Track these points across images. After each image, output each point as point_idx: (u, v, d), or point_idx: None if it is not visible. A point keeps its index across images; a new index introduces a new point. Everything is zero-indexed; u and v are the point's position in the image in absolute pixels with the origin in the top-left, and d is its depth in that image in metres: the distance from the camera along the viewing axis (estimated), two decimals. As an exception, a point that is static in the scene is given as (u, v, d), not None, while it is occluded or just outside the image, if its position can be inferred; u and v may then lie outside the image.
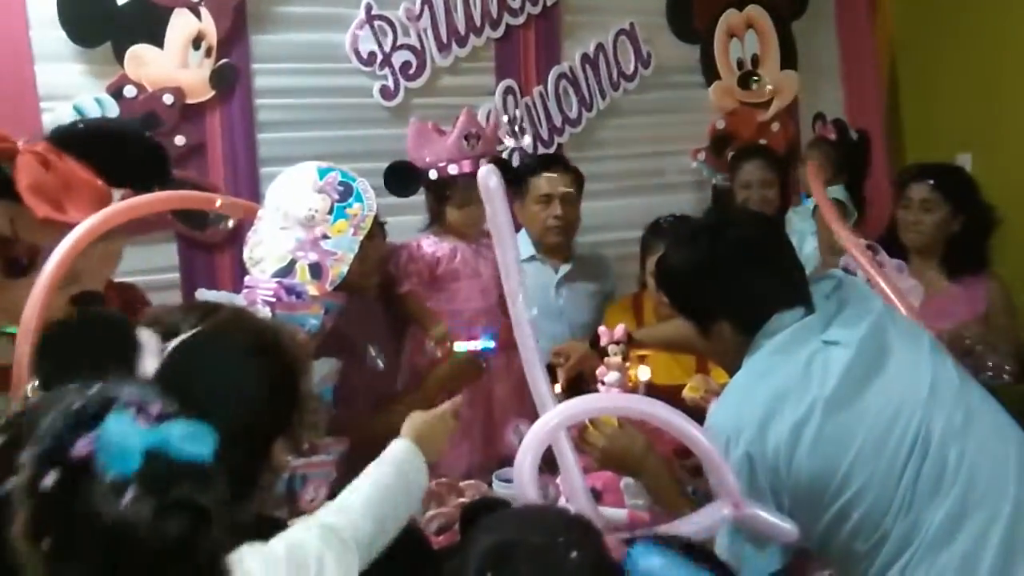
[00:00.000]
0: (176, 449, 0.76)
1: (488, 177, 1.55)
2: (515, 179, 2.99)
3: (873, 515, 1.53)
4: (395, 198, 2.55)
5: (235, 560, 0.88)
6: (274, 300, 1.98)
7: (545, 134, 3.54)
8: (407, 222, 2.75)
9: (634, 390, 2.24)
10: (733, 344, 1.74)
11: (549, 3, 3.49)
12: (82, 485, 0.73)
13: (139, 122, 2.80)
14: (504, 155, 3.34)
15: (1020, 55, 3.60)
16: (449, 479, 2.17)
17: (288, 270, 2.03)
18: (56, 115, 2.66)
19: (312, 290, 2.03)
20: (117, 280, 2.18)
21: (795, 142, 3.98)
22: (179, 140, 2.96)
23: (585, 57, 3.61)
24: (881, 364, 1.62)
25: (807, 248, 3.45)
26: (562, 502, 1.83)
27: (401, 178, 2.55)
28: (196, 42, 2.95)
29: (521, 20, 3.45)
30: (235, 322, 1.13)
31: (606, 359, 2.24)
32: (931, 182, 2.91)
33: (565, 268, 3.10)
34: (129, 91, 2.87)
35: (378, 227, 2.24)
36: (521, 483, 1.44)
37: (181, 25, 2.92)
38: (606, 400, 1.92)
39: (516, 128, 2.90)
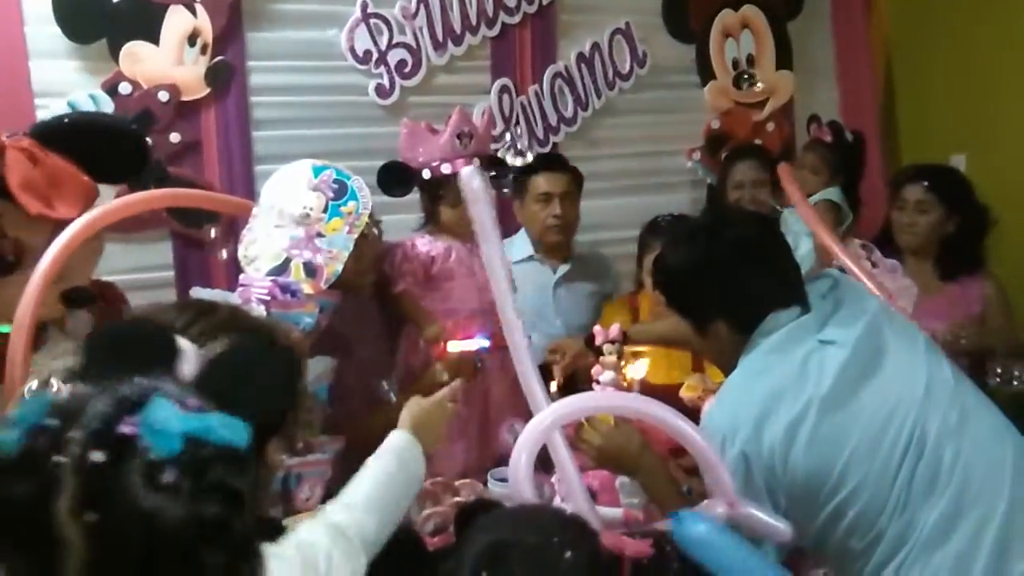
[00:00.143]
0: (214, 435, 0.80)
1: (471, 178, 1.55)
2: (515, 177, 3.00)
3: (868, 514, 1.54)
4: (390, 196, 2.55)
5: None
6: (269, 298, 1.98)
7: (541, 133, 3.53)
8: (402, 221, 2.74)
9: (628, 389, 2.24)
10: (729, 343, 1.74)
11: (545, 2, 3.48)
12: (126, 464, 0.77)
13: (131, 118, 2.80)
14: (499, 153, 3.35)
15: (1015, 56, 3.61)
16: (444, 478, 2.16)
17: (283, 268, 2.03)
18: (51, 112, 2.65)
19: (307, 288, 2.03)
20: (98, 277, 2.17)
21: (790, 142, 3.99)
22: (174, 137, 2.95)
23: (581, 56, 3.61)
24: (877, 364, 1.63)
25: (802, 248, 3.45)
26: (557, 501, 1.83)
27: (394, 178, 2.54)
28: (191, 39, 2.94)
29: (517, 19, 3.45)
30: (267, 335, 1.17)
31: (601, 358, 2.25)
32: (926, 183, 2.92)
33: (564, 268, 3.09)
34: (124, 88, 2.86)
35: (373, 225, 2.24)
36: (517, 482, 1.44)
37: (176, 22, 2.92)
38: (601, 399, 1.92)
39: (520, 147, 2.89)
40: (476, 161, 2.47)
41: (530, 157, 2.91)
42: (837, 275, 1.83)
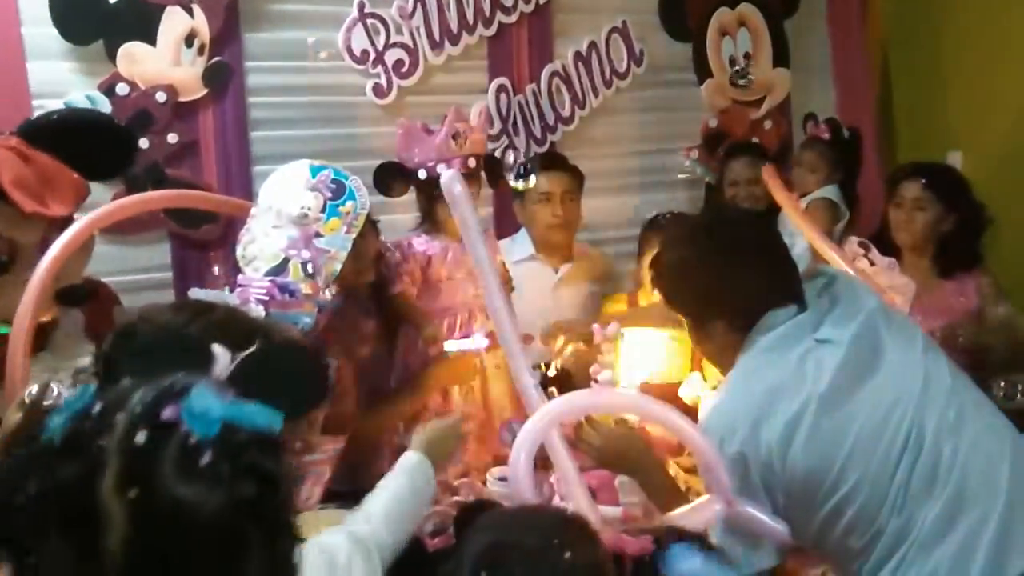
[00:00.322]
0: (249, 421, 0.86)
1: (452, 184, 1.54)
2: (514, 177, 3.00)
3: (867, 512, 1.54)
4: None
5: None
6: (267, 299, 1.98)
7: (538, 132, 3.53)
8: (398, 220, 2.75)
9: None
10: (727, 342, 1.74)
11: (542, 1, 3.48)
12: (167, 444, 0.82)
13: (129, 119, 2.80)
14: (497, 152, 3.35)
15: (1011, 54, 3.61)
16: (443, 478, 2.17)
17: (281, 268, 2.03)
18: (48, 113, 2.65)
19: (305, 288, 2.03)
20: (90, 276, 2.17)
21: (787, 140, 3.99)
22: (172, 138, 2.95)
23: (578, 55, 3.60)
24: (874, 362, 1.63)
25: (799, 247, 3.45)
26: (556, 501, 1.84)
27: (390, 178, 2.55)
28: (189, 40, 2.94)
29: (514, 18, 3.45)
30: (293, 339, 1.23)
31: (599, 357, 2.25)
32: (923, 181, 2.92)
33: (565, 268, 3.09)
34: (121, 89, 2.85)
35: (371, 225, 2.24)
36: (516, 482, 1.44)
37: (174, 23, 2.91)
38: (598, 397, 1.92)
39: (523, 169, 2.87)
40: (457, 164, 2.47)
41: (533, 181, 2.91)
42: (833, 271, 1.83)
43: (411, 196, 2.63)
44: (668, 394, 2.42)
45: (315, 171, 2.12)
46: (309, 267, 2.03)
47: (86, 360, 1.08)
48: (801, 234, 3.47)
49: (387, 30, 3.24)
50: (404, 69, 3.29)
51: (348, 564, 1.35)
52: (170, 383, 0.87)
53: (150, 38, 2.89)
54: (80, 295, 1.88)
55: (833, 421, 1.56)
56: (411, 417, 2.46)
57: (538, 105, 3.53)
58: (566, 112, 3.59)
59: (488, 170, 2.67)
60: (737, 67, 3.89)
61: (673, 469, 2.13)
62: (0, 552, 0.84)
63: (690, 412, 2.19)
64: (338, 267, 2.07)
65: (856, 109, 3.99)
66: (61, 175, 1.80)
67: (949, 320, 2.70)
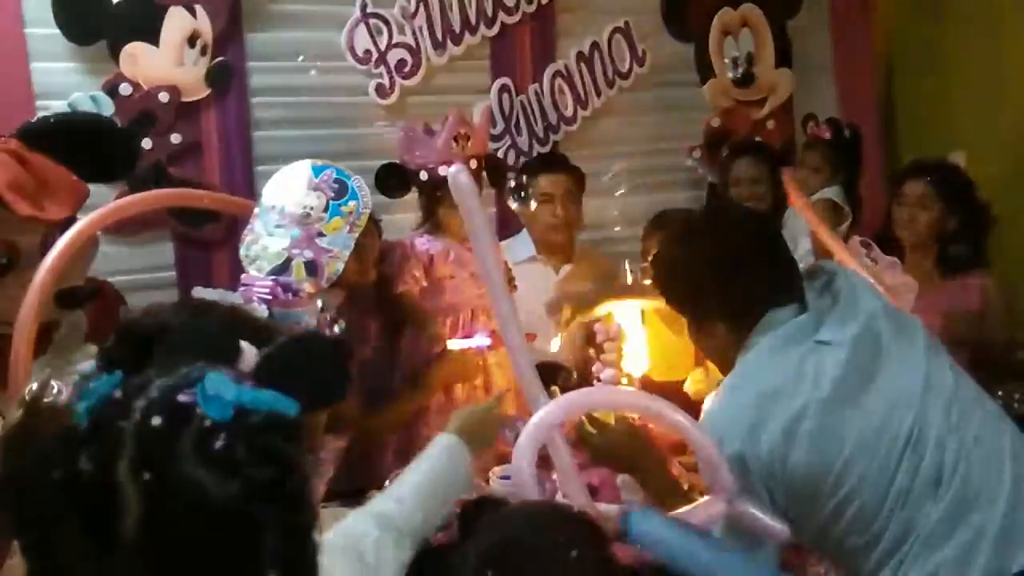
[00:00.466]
0: (265, 405, 0.86)
1: (458, 175, 1.53)
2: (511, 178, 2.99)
3: (867, 512, 1.54)
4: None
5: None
6: (271, 298, 1.99)
7: (541, 132, 3.54)
8: (400, 220, 2.75)
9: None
10: (726, 341, 1.74)
11: (544, 1, 3.48)
12: (182, 428, 0.83)
13: (132, 119, 2.80)
14: (499, 153, 3.36)
15: (1013, 53, 3.61)
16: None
17: (284, 268, 2.04)
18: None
19: (308, 287, 2.03)
20: (95, 276, 2.17)
21: (790, 140, 3.99)
22: (175, 138, 2.96)
23: (580, 55, 3.60)
24: (875, 363, 1.63)
25: (801, 248, 3.46)
26: (559, 498, 1.83)
27: (392, 180, 2.56)
28: (192, 40, 2.95)
29: (516, 18, 3.45)
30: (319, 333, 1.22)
31: (602, 356, 2.25)
32: (927, 179, 2.92)
33: (566, 268, 3.09)
34: (124, 89, 2.86)
35: (373, 224, 2.24)
36: (521, 481, 1.44)
37: (176, 23, 2.92)
38: (602, 395, 1.92)
39: (522, 193, 2.88)
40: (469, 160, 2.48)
41: (533, 205, 2.90)
42: (833, 268, 1.81)
43: (413, 195, 2.63)
44: (671, 390, 2.42)
45: (318, 171, 2.12)
46: (312, 266, 2.04)
47: (86, 365, 1.07)
48: (804, 235, 3.50)
49: (389, 30, 3.25)
50: (407, 69, 3.29)
51: (376, 563, 1.29)
52: (188, 370, 0.88)
53: (153, 38, 2.90)
54: (79, 297, 1.88)
55: (834, 422, 1.56)
56: (414, 416, 2.47)
57: (540, 105, 3.54)
58: (568, 112, 3.59)
59: (490, 170, 2.67)
60: (740, 69, 3.88)
61: (677, 468, 2.13)
62: (20, 534, 0.86)
63: (695, 407, 2.19)
64: (341, 267, 2.07)
65: (859, 109, 3.99)
66: (59, 178, 1.80)
67: (950, 320, 2.69)
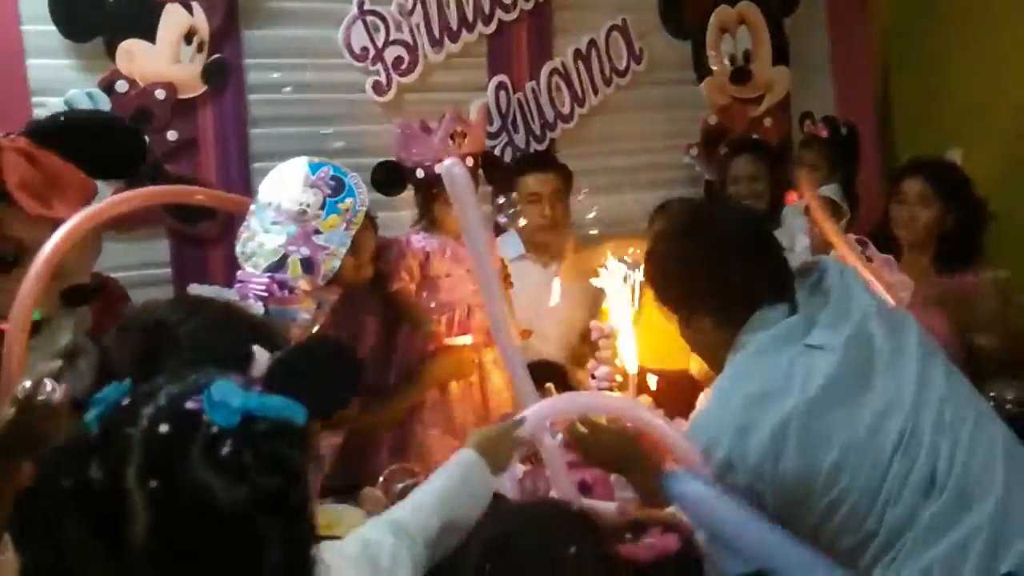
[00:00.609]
0: (273, 411, 0.87)
1: (453, 168, 1.52)
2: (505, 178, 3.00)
3: (861, 511, 1.54)
4: (386, 193, 2.56)
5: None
6: (267, 295, 1.99)
7: (537, 130, 3.54)
8: (396, 217, 2.75)
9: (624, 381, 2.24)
10: (715, 339, 1.74)
11: (541, -1, 3.49)
12: (190, 435, 0.84)
13: (128, 116, 2.80)
14: (497, 150, 3.36)
15: (1011, 51, 3.61)
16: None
17: (280, 265, 2.04)
18: (47, 110, 2.65)
19: (304, 284, 2.03)
20: (99, 272, 2.17)
21: (787, 138, 3.99)
22: (171, 135, 2.96)
23: (577, 53, 3.61)
24: (868, 363, 1.62)
25: (799, 246, 3.46)
26: (553, 495, 1.84)
27: (388, 177, 2.56)
28: (188, 37, 2.95)
29: (513, 16, 3.45)
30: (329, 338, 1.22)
31: (597, 354, 2.25)
32: (926, 177, 2.92)
33: (556, 266, 3.09)
34: (121, 86, 2.86)
35: (369, 222, 2.25)
36: (512, 479, 1.45)
37: (173, 20, 2.92)
38: (587, 399, 1.93)
39: (511, 212, 2.87)
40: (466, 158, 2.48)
41: (522, 222, 2.88)
42: (825, 264, 1.80)
43: (409, 193, 2.63)
44: (676, 375, 2.42)
45: (314, 168, 2.13)
46: (308, 263, 2.04)
47: (63, 339, 1.07)
48: (802, 233, 3.50)
49: (387, 27, 3.25)
50: (404, 67, 3.29)
51: (390, 568, 1.25)
52: (196, 378, 0.89)
53: (149, 35, 2.90)
54: (85, 294, 1.88)
55: (824, 425, 1.55)
56: (409, 413, 2.47)
57: (537, 103, 3.53)
58: (566, 110, 3.59)
59: (486, 168, 2.68)
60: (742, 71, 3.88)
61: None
62: (31, 541, 0.87)
63: (701, 388, 2.18)
64: (337, 263, 2.08)
65: (856, 107, 3.99)
66: (68, 176, 1.81)
67: (947, 318, 2.69)
